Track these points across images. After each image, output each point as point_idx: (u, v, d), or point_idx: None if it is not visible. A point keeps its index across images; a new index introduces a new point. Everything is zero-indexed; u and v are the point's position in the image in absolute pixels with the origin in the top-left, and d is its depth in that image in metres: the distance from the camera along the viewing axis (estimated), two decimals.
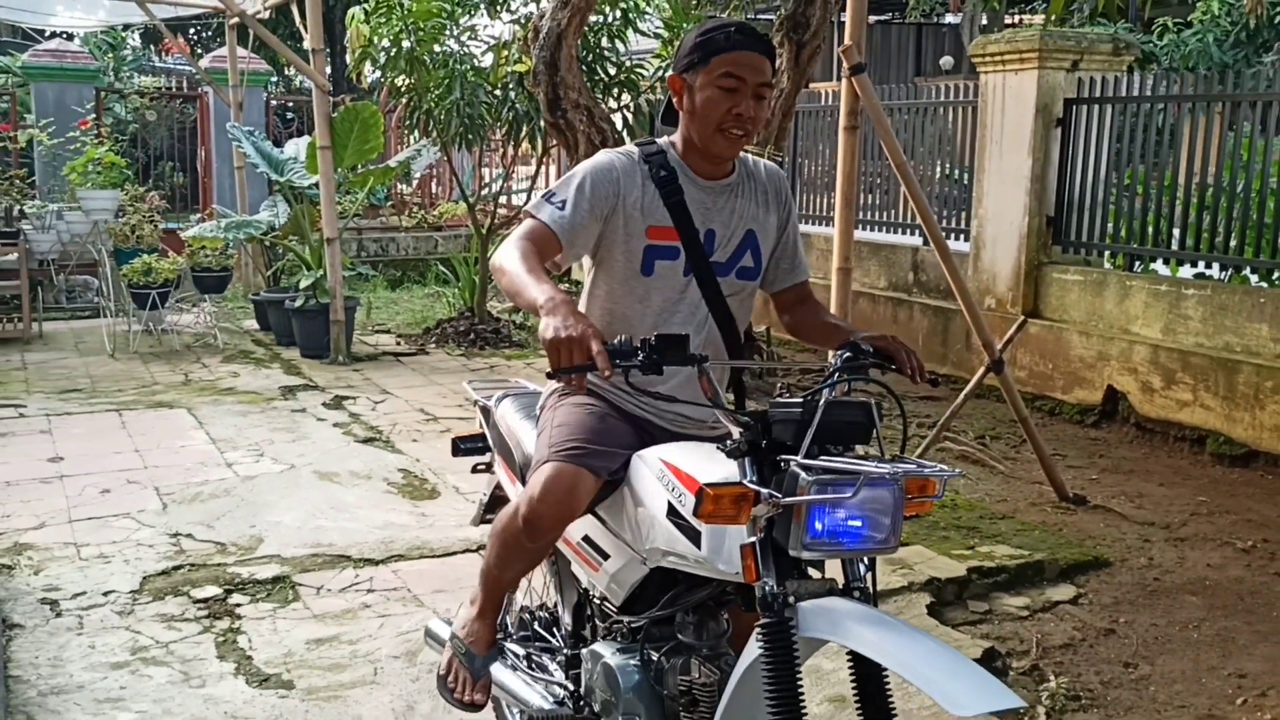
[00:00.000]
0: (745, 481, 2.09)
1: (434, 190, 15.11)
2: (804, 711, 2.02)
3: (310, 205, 9.13)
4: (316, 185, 8.67)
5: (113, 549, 4.76)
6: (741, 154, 2.73)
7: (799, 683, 2.03)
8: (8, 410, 7.01)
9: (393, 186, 14.73)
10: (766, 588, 2.08)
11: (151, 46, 22.55)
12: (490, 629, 2.82)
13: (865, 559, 2.18)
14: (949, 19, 21.34)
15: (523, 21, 8.95)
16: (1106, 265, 7.55)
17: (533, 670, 2.92)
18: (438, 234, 13.30)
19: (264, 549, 4.80)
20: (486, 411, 3.18)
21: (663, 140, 2.71)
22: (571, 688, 2.74)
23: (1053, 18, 7.25)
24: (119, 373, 8.18)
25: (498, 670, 2.88)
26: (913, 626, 2.03)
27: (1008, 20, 18.95)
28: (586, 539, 2.66)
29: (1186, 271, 7.20)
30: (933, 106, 8.90)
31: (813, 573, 2.21)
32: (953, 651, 1.94)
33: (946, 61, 19.88)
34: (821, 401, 2.10)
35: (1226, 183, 6.77)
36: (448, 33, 8.91)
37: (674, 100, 2.65)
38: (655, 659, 2.50)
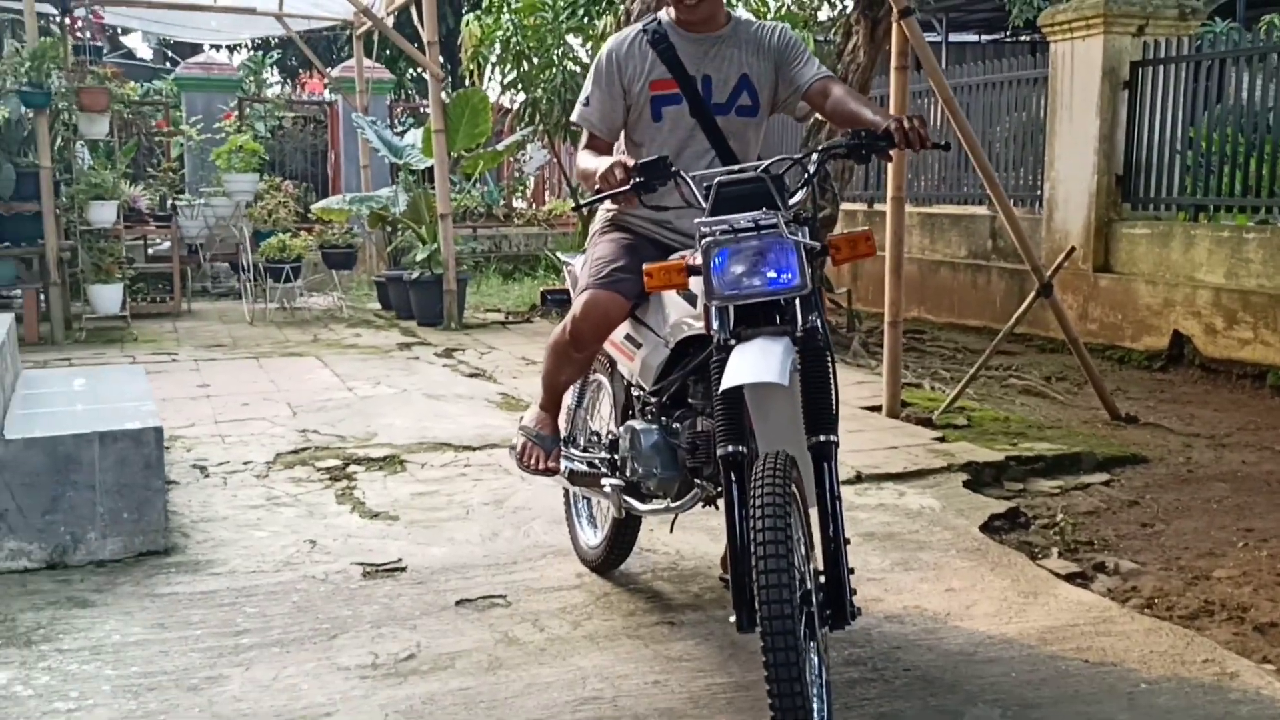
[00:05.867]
0: (678, 257, 2.69)
1: (545, 195, 15.96)
2: (742, 418, 2.59)
3: (426, 191, 9.96)
4: (432, 170, 9.49)
5: (250, 438, 5.52)
6: (748, 17, 3.31)
7: (740, 399, 2.59)
8: (162, 357, 7.93)
9: (508, 196, 15.62)
10: (717, 335, 2.64)
11: (290, 81, 24.11)
12: (554, 419, 3.46)
13: (814, 310, 2.68)
14: None
15: (618, 14, 9.66)
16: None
17: (585, 454, 3.52)
18: (549, 231, 14.07)
19: (378, 440, 5.50)
20: (571, 270, 3.80)
21: (662, 13, 3.30)
22: (608, 457, 3.34)
23: None
24: (257, 335, 9.09)
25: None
26: (783, 350, 2.53)
27: None
28: (627, 336, 3.27)
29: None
30: (1007, 81, 9.30)
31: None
32: (780, 358, 2.49)
33: None
34: (715, 178, 2.70)
35: None
36: (549, 28, 9.65)
37: None
38: (671, 425, 3.09)
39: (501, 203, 14.69)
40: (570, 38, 10.18)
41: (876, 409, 6.09)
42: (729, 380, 2.50)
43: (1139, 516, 4.55)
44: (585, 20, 9.90)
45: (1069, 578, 3.83)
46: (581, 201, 3.12)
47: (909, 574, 3.77)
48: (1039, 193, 8.79)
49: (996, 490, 4.89)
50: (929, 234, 9.87)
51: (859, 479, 4.80)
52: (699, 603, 3.51)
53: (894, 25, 5.67)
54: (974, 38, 22.50)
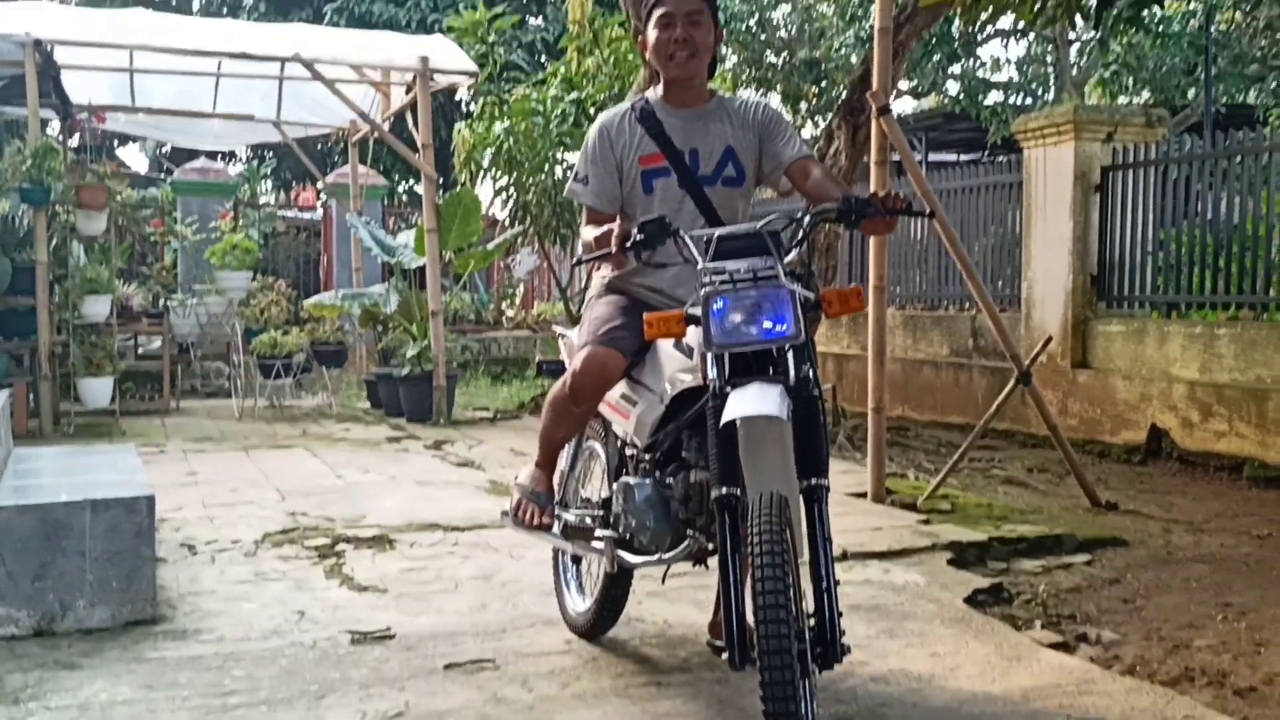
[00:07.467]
0: (684, 309, 2.80)
1: (534, 301, 16.18)
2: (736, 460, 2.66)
3: (418, 292, 10.12)
4: (423, 271, 9.68)
5: (239, 519, 5.55)
6: (729, 95, 3.49)
7: (735, 442, 2.67)
8: (151, 449, 7.95)
9: (498, 302, 15.83)
10: (713, 384, 2.74)
11: (284, 193, 24.62)
12: (549, 478, 3.54)
13: (807, 360, 2.78)
14: None
15: None
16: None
17: (580, 511, 3.59)
18: (537, 335, 14.24)
19: (366, 521, 5.54)
20: (567, 341, 3.91)
21: (649, 92, 3.47)
22: (602, 514, 3.40)
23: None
24: (245, 430, 9.14)
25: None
26: (779, 393, 2.64)
27: None
28: (623, 396, 3.37)
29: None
30: (983, 186, 9.59)
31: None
32: (777, 399, 2.61)
33: None
34: (715, 233, 2.84)
35: (1250, 233, 7.29)
36: (540, 133, 9.91)
37: (644, 57, 3.43)
38: (665, 479, 3.16)
39: (491, 307, 14.89)
40: (563, 146, 10.44)
41: (862, 495, 6.16)
42: (729, 414, 2.58)
43: (1120, 593, 4.60)
44: (576, 128, 10.17)
45: (1052, 646, 3.86)
46: (584, 258, 3.20)
47: (894, 640, 3.81)
48: (1017, 292, 9.00)
49: (980, 569, 4.93)
50: (912, 334, 10.05)
51: (845, 557, 4.84)
52: (688, 666, 3.54)
53: (873, 123, 5.90)
54: (953, 157, 23.17)
